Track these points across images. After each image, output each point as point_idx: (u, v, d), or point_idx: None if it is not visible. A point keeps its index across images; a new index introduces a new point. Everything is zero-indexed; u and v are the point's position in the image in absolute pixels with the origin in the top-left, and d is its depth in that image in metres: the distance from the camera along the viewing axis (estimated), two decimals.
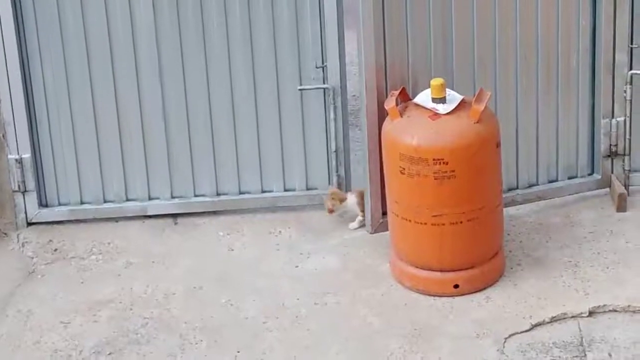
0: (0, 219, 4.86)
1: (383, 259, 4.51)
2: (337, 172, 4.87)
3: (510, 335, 4.00)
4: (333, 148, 4.85)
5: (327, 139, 4.87)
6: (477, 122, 4.16)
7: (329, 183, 4.90)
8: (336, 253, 4.61)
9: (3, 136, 4.79)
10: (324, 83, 4.79)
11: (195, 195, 4.93)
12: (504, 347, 3.94)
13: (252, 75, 4.80)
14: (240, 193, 4.94)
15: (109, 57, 4.75)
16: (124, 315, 4.23)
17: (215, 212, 4.91)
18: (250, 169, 4.92)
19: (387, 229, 4.51)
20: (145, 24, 4.71)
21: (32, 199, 4.86)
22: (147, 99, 4.81)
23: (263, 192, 4.94)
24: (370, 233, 4.70)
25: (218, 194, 4.91)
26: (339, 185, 4.86)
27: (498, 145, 4.26)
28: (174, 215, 4.93)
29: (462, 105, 4.22)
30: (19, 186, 4.83)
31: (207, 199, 4.91)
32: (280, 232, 4.79)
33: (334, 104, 4.80)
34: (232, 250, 4.69)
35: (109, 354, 4.00)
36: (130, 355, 3.99)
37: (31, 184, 4.84)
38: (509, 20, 4.66)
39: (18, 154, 4.80)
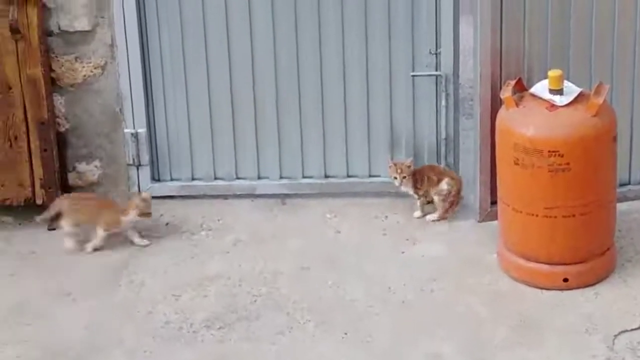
0: (114, 191, 4.98)
1: (490, 248, 4.49)
2: (446, 159, 4.87)
3: (620, 332, 3.95)
4: (443, 135, 4.84)
5: (437, 126, 4.87)
6: (595, 116, 4.11)
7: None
8: (443, 240, 4.61)
9: (120, 110, 4.90)
10: (436, 70, 4.78)
11: (304, 177, 4.98)
12: (613, 343, 3.90)
13: (365, 60, 4.81)
14: (348, 176, 4.97)
15: (225, 37, 4.81)
16: (232, 291, 4.30)
17: (322, 194, 4.94)
18: (359, 152, 4.94)
19: (495, 219, 4.50)
20: (262, 7, 4.75)
21: (145, 173, 4.96)
22: (260, 81, 4.86)
23: (370, 176, 4.96)
24: (478, 221, 4.69)
25: (326, 176, 4.95)
26: None
27: (614, 139, 4.21)
28: (282, 196, 4.98)
29: (579, 97, 4.17)
30: (133, 160, 4.94)
31: (316, 180, 4.94)
32: (386, 217, 4.81)
33: (446, 91, 4.78)
34: (339, 232, 4.72)
35: (219, 328, 4.07)
36: (239, 330, 4.06)
37: (145, 158, 4.94)
38: (628, 13, 4.58)
39: (134, 128, 4.90)
